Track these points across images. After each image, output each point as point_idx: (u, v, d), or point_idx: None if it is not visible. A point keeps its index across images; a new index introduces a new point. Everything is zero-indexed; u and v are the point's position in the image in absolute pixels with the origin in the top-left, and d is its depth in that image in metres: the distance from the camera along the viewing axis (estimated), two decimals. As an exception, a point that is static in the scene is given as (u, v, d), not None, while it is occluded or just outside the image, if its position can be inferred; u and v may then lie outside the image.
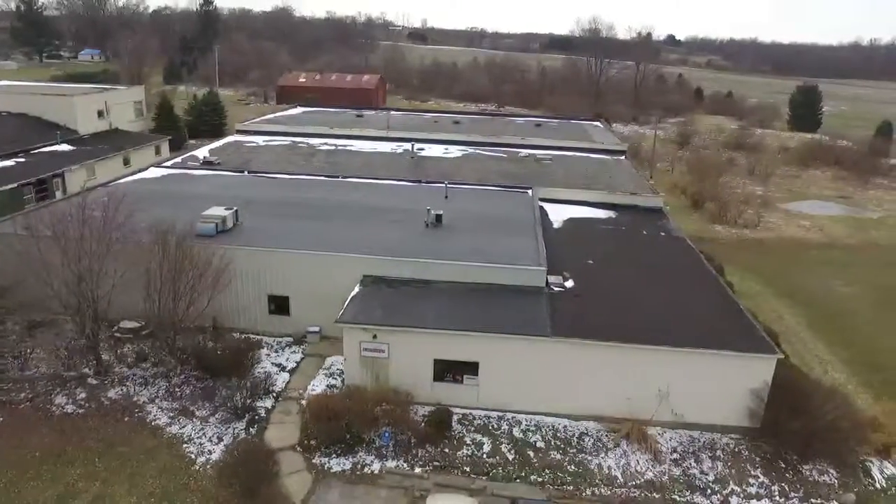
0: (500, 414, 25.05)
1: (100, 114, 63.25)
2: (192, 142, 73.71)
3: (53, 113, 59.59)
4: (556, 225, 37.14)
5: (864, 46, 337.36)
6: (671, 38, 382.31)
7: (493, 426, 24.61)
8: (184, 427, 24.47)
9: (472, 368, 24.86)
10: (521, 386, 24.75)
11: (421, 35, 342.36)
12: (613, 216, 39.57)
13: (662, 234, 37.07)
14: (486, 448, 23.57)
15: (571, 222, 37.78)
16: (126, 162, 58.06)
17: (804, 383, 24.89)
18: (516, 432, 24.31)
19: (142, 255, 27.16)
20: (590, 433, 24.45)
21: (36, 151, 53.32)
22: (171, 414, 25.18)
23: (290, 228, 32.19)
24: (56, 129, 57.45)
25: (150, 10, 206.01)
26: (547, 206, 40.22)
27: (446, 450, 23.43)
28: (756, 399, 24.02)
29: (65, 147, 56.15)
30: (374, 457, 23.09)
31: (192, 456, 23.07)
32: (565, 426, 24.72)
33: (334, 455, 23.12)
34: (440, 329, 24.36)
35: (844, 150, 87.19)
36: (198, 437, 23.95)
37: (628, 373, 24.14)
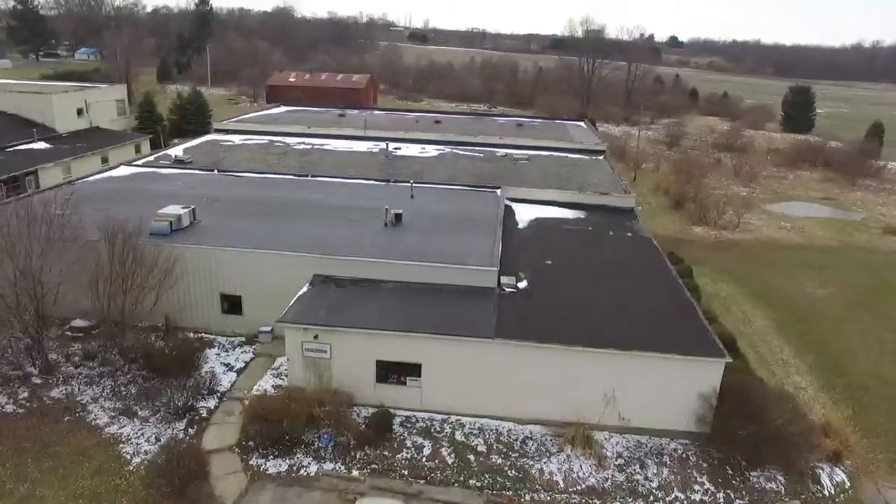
0: (444, 417, 24.63)
1: (79, 112, 63.06)
2: (176, 141, 73.32)
3: (31, 111, 59.49)
4: (520, 225, 36.69)
5: (866, 48, 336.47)
6: (673, 40, 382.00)
7: (435, 429, 24.18)
8: (123, 427, 24.10)
9: (415, 370, 24.44)
10: (464, 388, 24.32)
11: (422, 36, 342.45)
12: (582, 216, 39.11)
13: (629, 234, 36.57)
14: (427, 451, 23.15)
15: (537, 222, 37.33)
16: (104, 160, 57.75)
17: (755, 388, 24.37)
18: (458, 435, 23.87)
19: (89, 253, 26.90)
20: (534, 437, 24.00)
21: (11, 149, 53.11)
22: (113, 414, 24.81)
23: (246, 227, 31.84)
24: (33, 128, 57.25)
25: (149, 10, 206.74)
26: (515, 206, 39.80)
27: (386, 452, 23.01)
28: (705, 404, 23.55)
29: (42, 145, 56.01)
30: (311, 459, 22.68)
31: (128, 456, 22.69)
32: (509, 430, 24.28)
33: (271, 456, 22.72)
34: (381, 330, 23.93)
35: (834, 151, 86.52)
36: (136, 438, 23.57)
37: (574, 376, 23.69)
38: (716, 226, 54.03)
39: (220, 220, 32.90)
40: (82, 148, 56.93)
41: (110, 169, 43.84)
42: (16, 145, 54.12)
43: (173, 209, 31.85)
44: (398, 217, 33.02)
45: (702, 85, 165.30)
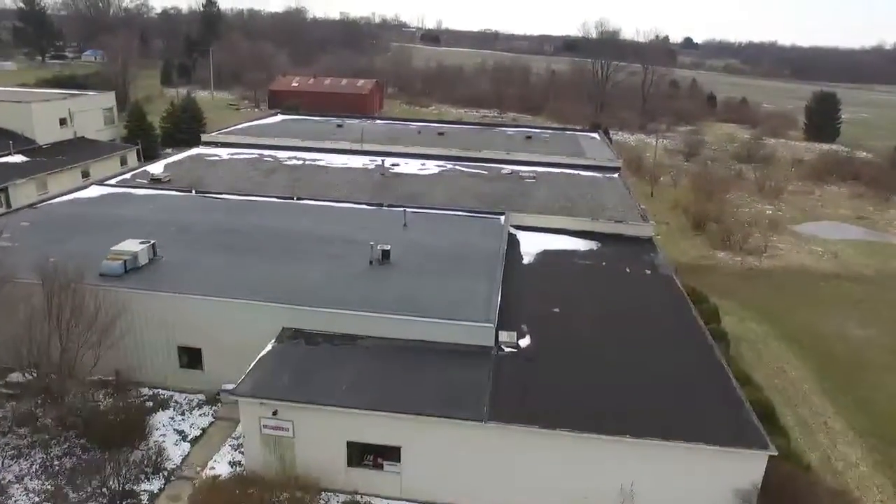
0: (428, 509, 20.65)
1: (62, 122, 59.75)
2: (169, 150, 70.04)
3: (9, 121, 56.18)
4: (525, 259, 32.63)
5: (887, 50, 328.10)
6: (688, 41, 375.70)
7: (417, 525, 20.23)
8: (46, 518, 20.32)
9: (393, 453, 20.47)
10: (452, 476, 20.35)
11: (434, 37, 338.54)
12: (595, 248, 34.96)
13: (648, 271, 32.38)
14: (405, 556, 19.19)
15: (544, 256, 33.25)
16: (85, 174, 54.38)
17: (803, 483, 20.17)
18: (444, 535, 19.90)
19: (21, 298, 23.24)
20: (535, 538, 19.96)
21: (-18, 163, 49.79)
22: (37, 498, 21.03)
23: (212, 266, 27.99)
24: (10, 139, 53.88)
25: (157, 12, 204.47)
26: (520, 234, 35.78)
27: (355, 558, 19.09)
28: (743, 503, 19.38)
29: (18, 158, 52.64)
30: (265, 566, 18.78)
31: (43, 561, 18.90)
32: (506, 528, 20.25)
33: (218, 562, 18.85)
34: (353, 408, 19.96)
35: (864, 163, 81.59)
36: (58, 534, 19.77)
37: (584, 466, 19.67)
38: (741, 251, 49.58)
39: (184, 255, 29.10)
40: (62, 161, 53.52)
41: (78, 189, 40.17)
42: (-11, 159, 50.78)
43: (129, 245, 28.10)
44: (385, 254, 29.05)
45: (719, 88, 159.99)
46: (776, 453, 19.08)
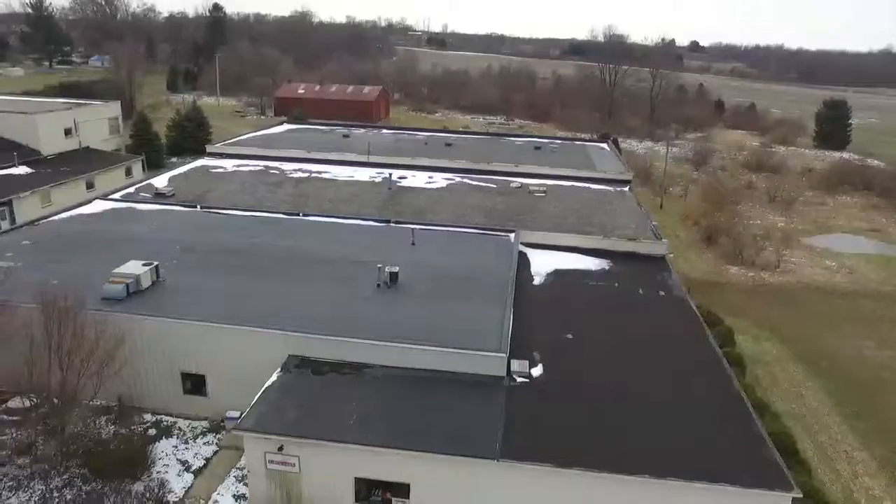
0: (439, 549, 19.94)
1: (67, 132, 59.27)
2: (174, 160, 69.77)
3: (14, 132, 55.72)
4: (536, 280, 31.94)
5: (895, 53, 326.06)
6: (694, 45, 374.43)
7: (427, 567, 19.52)
8: (45, 555, 19.72)
9: (402, 489, 19.78)
10: (464, 515, 19.63)
11: (440, 40, 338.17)
12: (607, 267, 34.23)
13: (661, 293, 31.63)
14: None
15: (555, 276, 32.54)
16: (90, 186, 54.00)
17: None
18: (455, 578, 19.19)
19: (20, 324, 22.70)
20: (549, 581, 19.24)
21: (-12, 174, 49.40)
22: (37, 534, 20.45)
23: (216, 290, 27.37)
24: (14, 150, 53.49)
25: (165, 14, 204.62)
26: (531, 252, 35.08)
27: None
28: (764, 545, 18.62)
29: (23, 170, 52.25)
30: None
31: None
32: (519, 570, 19.52)
33: None
34: (360, 444, 19.27)
35: (875, 172, 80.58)
36: (56, 574, 19.16)
37: (599, 506, 18.91)
38: (753, 265, 48.75)
39: (188, 278, 28.52)
40: (66, 173, 53.08)
41: (81, 205, 39.65)
42: (-7, 171, 50.38)
43: (132, 267, 27.54)
44: (393, 277, 28.42)
45: (726, 93, 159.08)
46: (801, 495, 18.31)
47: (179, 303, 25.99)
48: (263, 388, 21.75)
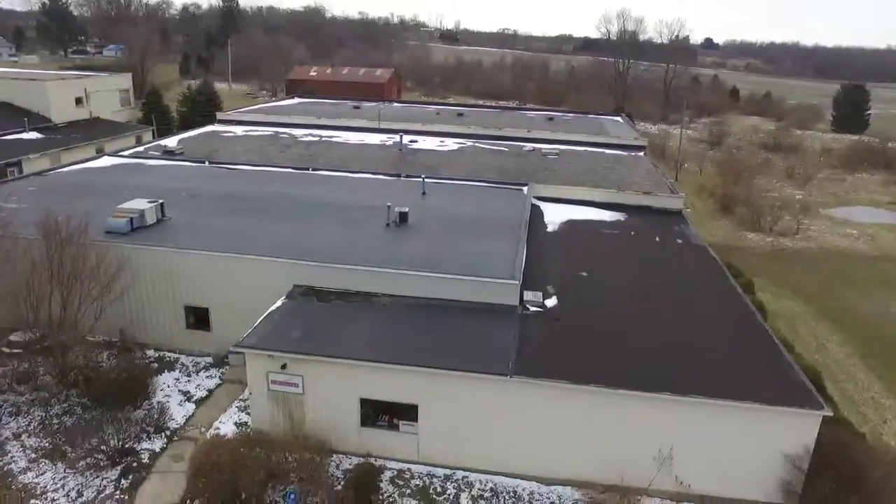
0: (447, 472, 19.15)
1: (78, 101, 59.08)
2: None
3: (25, 99, 55.71)
4: (549, 228, 31.05)
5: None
6: (708, 42, 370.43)
7: (435, 489, 18.71)
8: (42, 474, 19.12)
9: (410, 412, 18.99)
10: (474, 438, 18.82)
11: (452, 36, 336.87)
12: (622, 219, 33.29)
13: (679, 241, 30.67)
14: (422, 521, 17.70)
15: (569, 225, 31.65)
16: (99, 151, 53.54)
17: (859, 448, 18.40)
18: (465, 499, 18.36)
19: (22, 254, 22.16)
20: (564, 503, 18.40)
21: (-2, 139, 49.18)
22: (34, 456, 19.86)
23: (223, 226, 26.76)
24: (25, 117, 53.31)
25: (178, 8, 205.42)
26: (544, 205, 34.19)
27: (368, 521, 17.62)
28: (792, 468, 17.67)
29: (33, 135, 52.05)
30: (272, 528, 17.41)
31: (37, 518, 17.68)
32: (531, 493, 18.67)
33: (221, 523, 17.49)
34: (367, 361, 18.50)
35: (896, 152, 78.77)
36: (53, 491, 18.55)
37: (618, 427, 18.04)
38: (772, 232, 47.52)
39: (194, 217, 27.94)
40: (76, 138, 52.77)
41: (90, 159, 39.28)
42: (4, 135, 50.11)
43: (136, 203, 26.98)
44: (403, 216, 27.66)
45: (741, 85, 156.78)
46: (831, 413, 17.35)
47: (184, 237, 25.35)
48: (267, 312, 21.06)
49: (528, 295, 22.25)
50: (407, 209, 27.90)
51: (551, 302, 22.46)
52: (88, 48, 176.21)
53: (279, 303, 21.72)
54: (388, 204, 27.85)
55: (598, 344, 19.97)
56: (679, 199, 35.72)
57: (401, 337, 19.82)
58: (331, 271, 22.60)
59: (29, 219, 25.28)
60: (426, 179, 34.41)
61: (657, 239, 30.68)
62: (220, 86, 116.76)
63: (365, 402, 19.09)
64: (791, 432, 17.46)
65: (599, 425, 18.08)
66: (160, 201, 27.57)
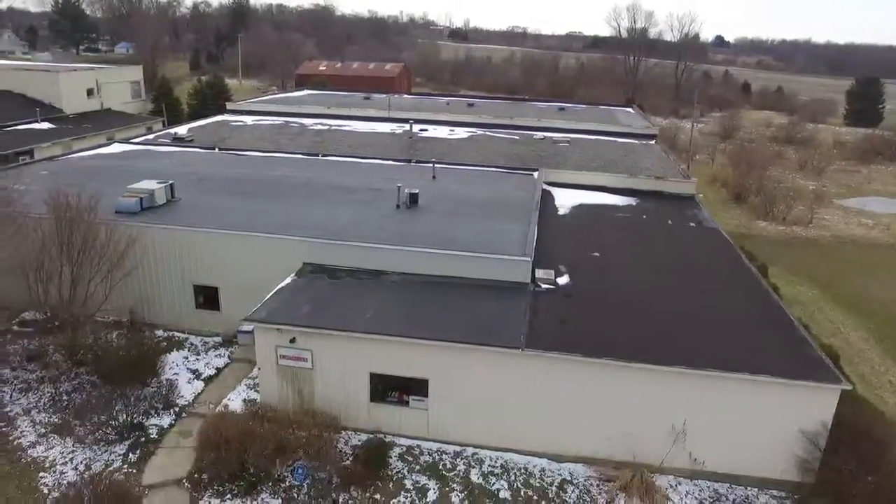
0: (457, 449, 18.94)
1: (89, 92, 59.28)
2: (194, 126, 69.53)
3: (37, 90, 55.92)
4: (561, 211, 30.78)
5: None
6: (719, 39, 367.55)
7: (445, 465, 18.50)
8: (51, 448, 19.07)
9: (420, 387, 18.79)
10: (485, 414, 18.61)
11: (462, 35, 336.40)
12: (634, 203, 32.96)
13: (692, 224, 30.31)
14: (432, 496, 17.47)
15: (581, 209, 31.35)
16: (110, 140, 53.76)
17: (878, 425, 18.04)
18: (475, 476, 18.13)
19: (31, 233, 22.19)
20: (575, 481, 18.11)
21: (10, 129, 49.40)
22: (43, 431, 19.82)
23: (232, 207, 26.67)
24: (37, 107, 53.55)
25: (188, 6, 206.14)
26: (555, 190, 33.90)
27: (378, 496, 17.43)
28: (809, 445, 17.33)
29: (45, 125, 52.25)
30: (280, 501, 17.25)
31: (45, 489, 17.61)
32: (542, 470, 18.44)
33: (229, 495, 17.39)
34: (377, 334, 18.31)
35: (912, 145, 77.71)
36: (62, 464, 18.48)
37: (631, 402, 17.77)
38: (785, 221, 46.96)
39: (203, 198, 27.87)
40: (87, 129, 53.01)
41: (101, 146, 39.37)
42: (16, 125, 50.41)
43: (147, 184, 26.95)
44: (413, 198, 27.47)
45: (753, 80, 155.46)
46: (850, 387, 17.00)
47: (193, 217, 25.27)
48: (277, 288, 20.92)
49: (539, 273, 22.00)
50: (417, 191, 27.70)
51: (563, 280, 22.20)
52: (100, 46, 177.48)
53: (289, 280, 21.59)
54: (399, 185, 27.64)
55: (611, 319, 19.70)
56: (691, 184, 35.34)
57: (411, 312, 19.63)
58: (341, 249, 22.44)
59: (39, 199, 25.35)
60: (437, 165, 34.20)
61: (670, 222, 30.34)
62: (230, 81, 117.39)
63: (375, 378, 18.90)
64: (809, 407, 17.12)
65: (612, 400, 17.81)
66: (170, 182, 27.53)
